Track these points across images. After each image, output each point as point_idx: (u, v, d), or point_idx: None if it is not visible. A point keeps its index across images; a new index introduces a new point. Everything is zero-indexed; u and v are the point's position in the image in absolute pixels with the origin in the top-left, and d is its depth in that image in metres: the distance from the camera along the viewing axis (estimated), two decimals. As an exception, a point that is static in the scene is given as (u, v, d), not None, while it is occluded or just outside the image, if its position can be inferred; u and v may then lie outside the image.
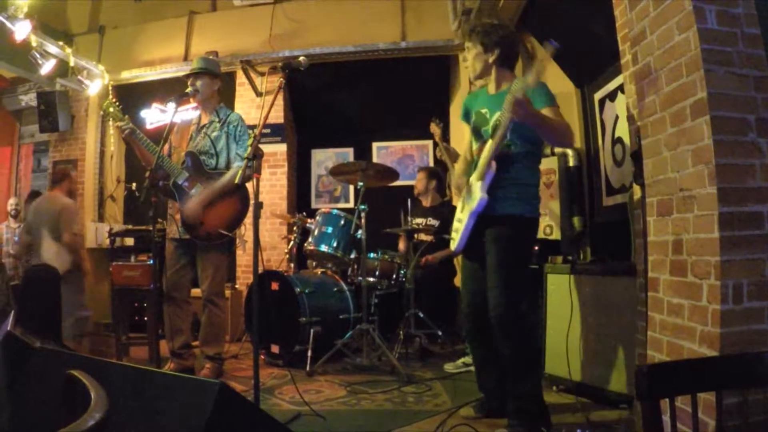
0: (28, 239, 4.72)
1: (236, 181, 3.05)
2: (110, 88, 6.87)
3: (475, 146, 2.95)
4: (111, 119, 3.89)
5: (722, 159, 1.92)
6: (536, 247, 3.96)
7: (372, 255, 4.64)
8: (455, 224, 2.92)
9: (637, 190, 2.78)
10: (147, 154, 3.76)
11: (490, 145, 2.69)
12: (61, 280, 4.47)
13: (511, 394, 2.72)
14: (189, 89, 3.87)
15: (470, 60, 2.91)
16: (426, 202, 5.32)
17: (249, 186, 3.66)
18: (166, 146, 3.90)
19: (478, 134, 2.92)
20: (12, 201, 6.31)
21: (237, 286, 6.29)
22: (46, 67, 5.85)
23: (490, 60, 2.83)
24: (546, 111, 2.62)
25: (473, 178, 2.79)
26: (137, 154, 3.91)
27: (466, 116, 3.05)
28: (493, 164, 2.66)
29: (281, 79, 3.18)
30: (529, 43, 5.43)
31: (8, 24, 5.16)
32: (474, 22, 2.97)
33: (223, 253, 3.91)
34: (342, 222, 4.56)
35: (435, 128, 4.28)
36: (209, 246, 3.82)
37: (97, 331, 4.65)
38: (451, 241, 2.96)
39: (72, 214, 4.70)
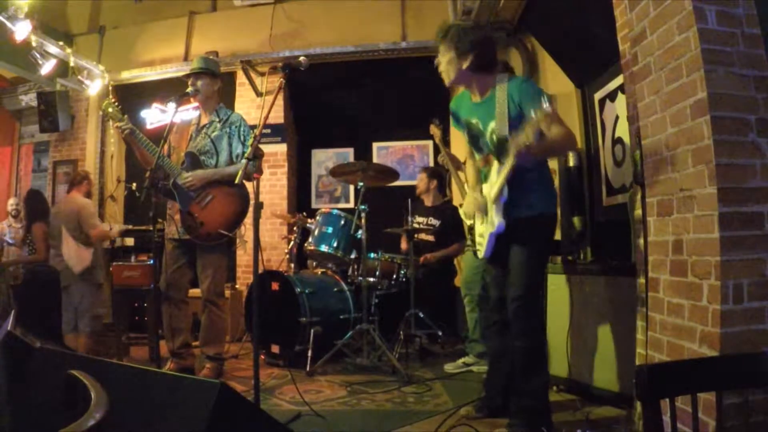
0: (52, 243, 4.79)
1: (236, 180, 3.05)
2: (110, 88, 6.87)
3: (478, 157, 2.94)
4: (110, 119, 3.89)
5: (722, 159, 1.92)
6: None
7: (372, 255, 4.64)
8: (478, 238, 2.92)
9: (637, 190, 2.78)
10: (146, 154, 3.76)
11: (497, 168, 2.69)
12: (80, 278, 4.54)
13: (516, 392, 2.73)
14: (190, 89, 3.86)
15: (443, 65, 2.78)
16: (428, 201, 5.32)
17: (249, 186, 3.66)
18: (166, 146, 3.90)
19: (477, 146, 2.90)
20: (12, 201, 6.30)
21: (237, 286, 6.29)
22: (47, 67, 5.85)
23: (464, 66, 2.70)
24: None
25: (489, 197, 2.76)
26: (136, 154, 3.91)
27: (457, 121, 3.02)
28: (506, 190, 2.64)
29: (281, 79, 3.17)
30: (529, 43, 5.43)
31: (8, 24, 5.16)
32: (446, 26, 2.82)
33: (222, 253, 3.91)
34: (342, 222, 4.56)
35: (435, 130, 4.27)
36: (209, 246, 3.81)
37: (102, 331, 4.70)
38: (478, 251, 2.97)
39: (90, 211, 4.79)
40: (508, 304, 2.74)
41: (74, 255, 4.54)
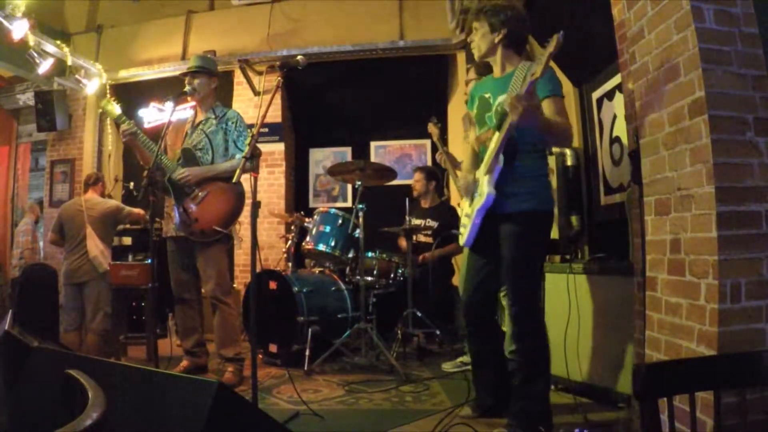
0: (53, 237, 4.85)
1: (234, 180, 3.05)
2: (108, 87, 6.87)
3: (478, 132, 2.88)
4: (109, 117, 3.89)
5: (720, 158, 1.92)
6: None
7: (370, 254, 4.64)
8: (463, 219, 2.87)
9: (635, 189, 2.78)
10: (146, 154, 3.73)
11: (497, 138, 2.61)
12: (101, 276, 4.64)
13: (518, 393, 2.67)
14: (187, 88, 3.85)
15: (476, 40, 2.83)
16: (425, 203, 5.31)
17: (246, 185, 3.64)
18: (163, 145, 3.88)
19: (481, 120, 2.85)
20: None
21: (235, 285, 6.28)
22: (44, 67, 5.85)
23: (497, 40, 2.75)
24: (547, 102, 2.58)
25: (480, 172, 2.72)
26: (136, 154, 3.88)
27: (472, 101, 2.96)
28: (501, 158, 2.60)
29: (279, 78, 3.18)
30: (527, 42, 5.43)
31: (6, 23, 5.15)
32: (483, 2, 2.88)
33: (221, 249, 3.84)
34: (340, 221, 4.55)
35: (433, 128, 4.26)
36: (206, 243, 3.76)
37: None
38: (460, 237, 2.92)
39: (123, 206, 4.99)
40: (507, 307, 2.72)
41: (100, 254, 4.66)
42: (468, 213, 2.80)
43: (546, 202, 2.75)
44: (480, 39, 2.81)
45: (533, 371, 2.65)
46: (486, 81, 2.95)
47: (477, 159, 2.85)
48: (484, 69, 3.35)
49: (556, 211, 4.48)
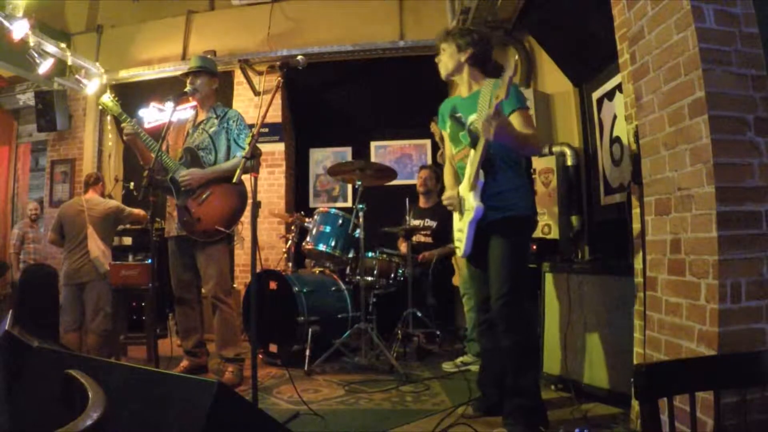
0: (52, 237, 4.84)
1: (234, 180, 3.05)
2: (108, 87, 6.86)
3: (454, 151, 3.03)
4: (110, 114, 3.88)
5: (720, 158, 1.92)
6: (534, 246, 3.97)
7: (370, 254, 4.64)
8: (457, 234, 2.97)
9: (635, 189, 2.79)
10: (148, 153, 3.73)
11: (473, 156, 2.75)
12: (102, 277, 4.64)
13: (509, 391, 2.74)
14: (188, 88, 3.85)
15: (444, 59, 3.02)
16: (424, 203, 5.31)
17: (246, 185, 3.64)
18: (164, 145, 3.88)
19: (456, 139, 3.00)
20: None
21: (235, 285, 6.28)
22: (44, 67, 5.85)
23: (463, 59, 2.94)
24: (514, 116, 2.71)
25: (464, 189, 2.85)
26: (137, 154, 3.87)
27: (443, 120, 3.13)
28: (481, 173, 2.73)
29: (279, 78, 3.18)
30: (527, 42, 5.44)
31: (6, 23, 5.16)
32: (447, 29, 3.13)
33: (223, 249, 3.83)
34: (340, 221, 4.55)
35: (435, 128, 4.27)
36: (208, 243, 3.75)
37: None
38: (457, 249, 3.01)
39: (123, 207, 4.98)
40: (491, 304, 2.77)
41: (101, 254, 4.66)
42: (460, 228, 2.91)
43: (525, 209, 2.88)
44: (447, 58, 3.01)
45: (519, 367, 2.72)
46: (454, 100, 3.11)
47: (457, 175, 3.03)
48: None
49: (556, 211, 4.51)
